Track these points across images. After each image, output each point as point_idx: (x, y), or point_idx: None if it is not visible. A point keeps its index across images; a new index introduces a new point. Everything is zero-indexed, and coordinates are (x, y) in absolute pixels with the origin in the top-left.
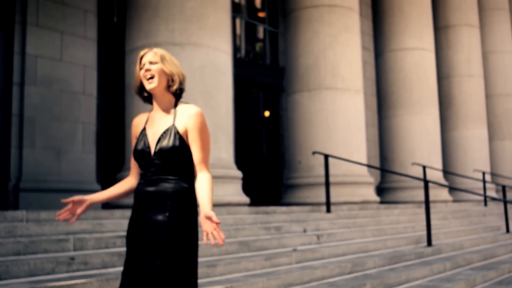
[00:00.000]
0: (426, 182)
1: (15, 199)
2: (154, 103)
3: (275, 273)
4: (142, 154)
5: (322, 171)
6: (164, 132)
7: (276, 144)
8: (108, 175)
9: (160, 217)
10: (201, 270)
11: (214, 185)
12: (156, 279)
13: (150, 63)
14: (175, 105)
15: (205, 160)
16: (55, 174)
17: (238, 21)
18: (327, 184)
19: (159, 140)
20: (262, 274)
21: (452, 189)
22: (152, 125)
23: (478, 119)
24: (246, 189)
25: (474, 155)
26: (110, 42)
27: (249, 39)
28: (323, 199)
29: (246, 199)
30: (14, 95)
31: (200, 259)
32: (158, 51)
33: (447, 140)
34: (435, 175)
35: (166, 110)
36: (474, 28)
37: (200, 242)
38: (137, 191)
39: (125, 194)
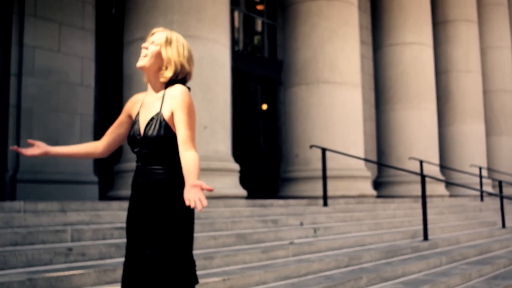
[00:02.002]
0: (423, 177)
1: (12, 190)
2: (149, 86)
3: (272, 265)
4: (133, 141)
5: (319, 165)
6: (151, 120)
7: (274, 137)
8: (105, 166)
9: (151, 209)
10: (198, 262)
11: (211, 177)
12: (146, 268)
13: (152, 43)
14: (166, 88)
15: (191, 138)
16: (53, 166)
17: (236, 13)
18: (324, 177)
19: (145, 128)
20: (259, 267)
21: (448, 184)
22: (144, 110)
23: (475, 114)
24: (243, 182)
25: (471, 150)
26: (108, 34)
27: (247, 32)
28: (320, 192)
29: (244, 192)
30: (11, 86)
31: (197, 251)
32: (169, 33)
33: (444, 135)
34: (432, 169)
35: (157, 95)
36: (472, 23)
37: (196, 235)
38: (132, 182)
39: (85, 155)
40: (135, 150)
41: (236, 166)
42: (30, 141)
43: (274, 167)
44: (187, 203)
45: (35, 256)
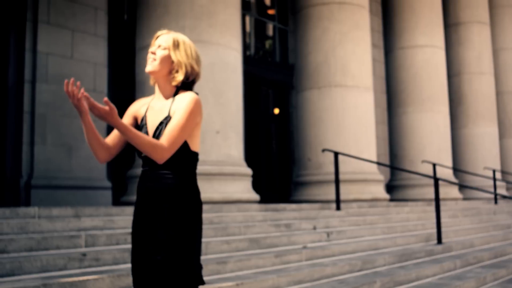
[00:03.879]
0: (436, 180)
1: (27, 196)
2: (156, 90)
3: (285, 270)
4: None
5: (331, 169)
6: (160, 124)
7: (286, 141)
8: (118, 172)
9: (159, 215)
10: (211, 267)
11: (224, 182)
12: (156, 274)
13: (159, 47)
14: (176, 93)
15: (173, 135)
16: (66, 171)
17: (248, 18)
18: (337, 181)
19: (154, 132)
20: (272, 271)
21: (462, 186)
22: (152, 115)
23: (488, 116)
24: (256, 186)
25: (485, 153)
26: (120, 40)
27: (259, 36)
28: (333, 196)
29: (256, 196)
30: (25, 92)
31: (210, 256)
32: (175, 36)
33: (457, 137)
34: (445, 172)
35: (167, 99)
36: (484, 25)
37: (209, 239)
38: (138, 187)
39: (98, 145)
40: (143, 154)
41: (249, 171)
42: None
43: (286, 171)
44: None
45: (50, 261)
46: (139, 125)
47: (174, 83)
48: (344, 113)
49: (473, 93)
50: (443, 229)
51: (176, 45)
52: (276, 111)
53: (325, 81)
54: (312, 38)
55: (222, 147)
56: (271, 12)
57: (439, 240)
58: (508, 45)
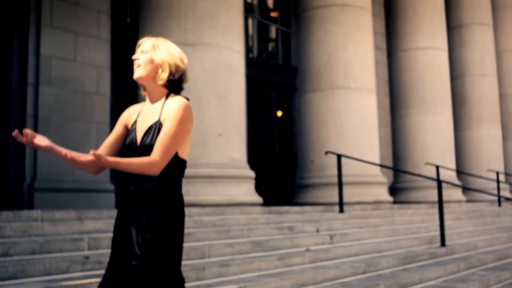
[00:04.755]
0: (439, 182)
1: (30, 199)
2: (146, 96)
3: (288, 273)
4: (128, 150)
5: (334, 171)
6: (149, 129)
7: (289, 144)
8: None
9: (141, 218)
10: (214, 270)
11: (227, 184)
12: (131, 280)
13: (142, 52)
14: (166, 98)
15: (164, 146)
16: (69, 174)
17: (250, 21)
18: (340, 184)
19: (143, 137)
20: (275, 274)
21: (465, 189)
22: (142, 119)
23: (491, 118)
24: (258, 189)
25: (488, 155)
26: (123, 43)
27: (261, 39)
28: (336, 199)
29: (259, 199)
30: (28, 95)
31: (213, 259)
32: (154, 39)
33: (461, 139)
34: (449, 175)
35: (156, 104)
36: (487, 27)
37: (212, 242)
38: (121, 190)
39: (86, 167)
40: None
41: (252, 173)
42: (27, 130)
43: (289, 173)
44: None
45: (53, 264)
46: (129, 130)
47: (160, 82)
48: (347, 115)
49: (476, 95)
50: (446, 232)
51: (156, 46)
52: (279, 113)
53: (328, 83)
54: (315, 40)
55: (225, 150)
56: (273, 14)
57: (443, 243)
58: (511, 47)
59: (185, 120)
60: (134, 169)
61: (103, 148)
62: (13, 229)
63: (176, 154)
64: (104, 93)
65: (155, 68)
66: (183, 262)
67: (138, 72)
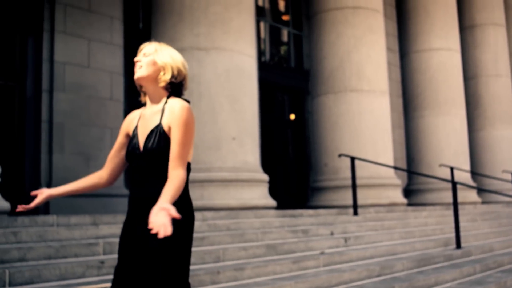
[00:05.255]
0: (454, 184)
1: (45, 204)
2: (147, 99)
3: (303, 276)
4: (132, 155)
5: (348, 174)
6: (151, 133)
7: (302, 147)
8: None
9: (147, 223)
10: (228, 274)
11: (240, 188)
12: (142, 282)
13: (144, 55)
14: (166, 101)
15: (182, 156)
16: None
17: (262, 24)
18: (354, 186)
19: (145, 141)
20: (290, 277)
21: (480, 190)
22: (143, 124)
23: (506, 119)
24: (272, 192)
25: (503, 156)
26: (136, 48)
27: (273, 42)
28: (350, 201)
29: (273, 202)
30: (43, 101)
31: (227, 263)
32: (158, 44)
33: (475, 140)
34: (463, 176)
35: (157, 107)
36: (500, 27)
37: (226, 246)
38: (129, 196)
39: (91, 188)
40: (134, 164)
41: (265, 177)
42: (33, 192)
43: (303, 176)
44: (149, 226)
45: (68, 269)
46: (131, 136)
47: (161, 84)
48: (360, 117)
49: (490, 96)
50: (462, 234)
51: (159, 49)
52: (292, 116)
53: (341, 86)
54: (327, 43)
55: (238, 154)
56: (285, 18)
57: (458, 245)
58: None
59: (190, 123)
60: (179, 191)
61: (109, 162)
62: (29, 234)
63: None
64: (117, 98)
65: (157, 70)
66: (198, 266)
67: (140, 72)
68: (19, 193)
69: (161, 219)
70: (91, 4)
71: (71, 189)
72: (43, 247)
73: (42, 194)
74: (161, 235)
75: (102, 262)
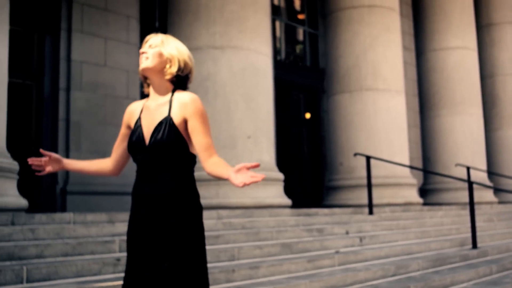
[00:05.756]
0: (470, 183)
1: (62, 202)
2: (151, 91)
3: (318, 275)
4: (136, 147)
5: (364, 173)
6: (159, 124)
7: (317, 146)
8: None
9: (160, 220)
10: (243, 272)
11: (256, 187)
12: (164, 282)
13: (150, 47)
14: (172, 94)
15: (211, 144)
16: (101, 178)
17: (278, 23)
18: (369, 185)
19: (153, 133)
20: (305, 276)
21: (497, 190)
22: (147, 116)
23: None
24: (287, 191)
25: None
26: None
27: (289, 41)
28: (365, 201)
29: (288, 201)
30: (60, 100)
31: (242, 261)
32: (164, 36)
33: (492, 140)
34: (480, 176)
35: (163, 99)
36: None
37: (241, 244)
38: (134, 192)
39: (97, 172)
40: (138, 157)
41: (280, 176)
42: (42, 151)
43: (318, 175)
44: (240, 185)
45: (85, 266)
46: (134, 127)
47: (168, 77)
48: (376, 116)
49: (507, 95)
50: (478, 234)
51: (165, 41)
52: (307, 115)
53: (356, 85)
54: (343, 41)
55: (253, 152)
56: (301, 16)
57: (474, 245)
58: None
59: (204, 111)
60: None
61: (113, 152)
62: (47, 231)
63: (188, 150)
64: (134, 97)
65: (163, 62)
66: (213, 264)
67: (146, 63)
68: (37, 191)
69: (244, 176)
70: (108, 3)
71: (79, 167)
72: (60, 244)
73: (59, 162)
74: (258, 180)
75: (118, 259)
